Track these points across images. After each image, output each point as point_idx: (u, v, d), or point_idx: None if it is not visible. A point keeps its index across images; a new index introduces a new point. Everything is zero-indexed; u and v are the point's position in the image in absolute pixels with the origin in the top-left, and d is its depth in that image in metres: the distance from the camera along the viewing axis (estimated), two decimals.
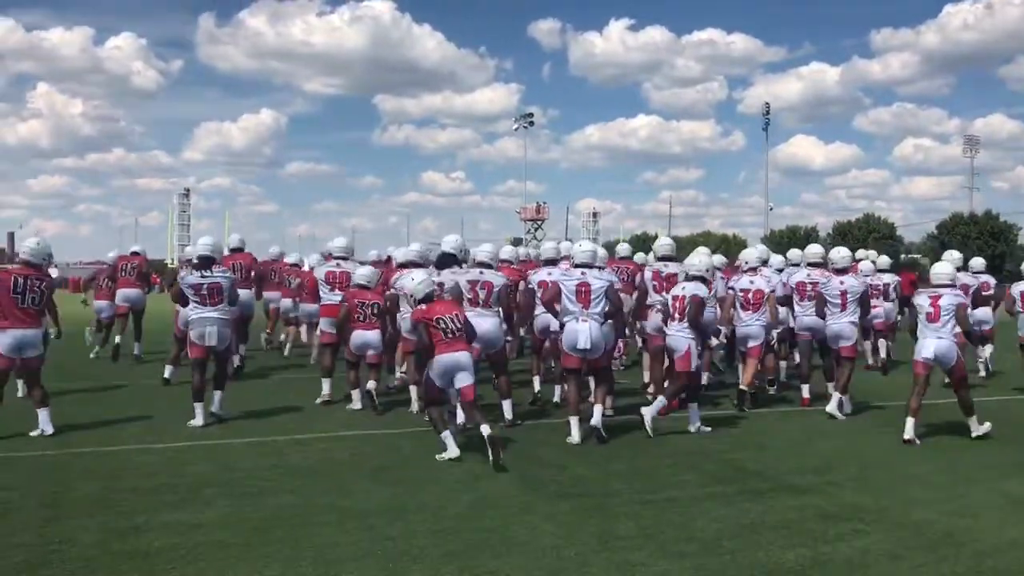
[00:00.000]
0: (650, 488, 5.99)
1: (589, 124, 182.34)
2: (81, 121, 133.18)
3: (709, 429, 7.98)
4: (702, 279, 8.13)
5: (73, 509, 5.33)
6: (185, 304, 8.49)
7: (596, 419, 7.54)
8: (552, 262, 9.84)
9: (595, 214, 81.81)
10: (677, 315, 8.06)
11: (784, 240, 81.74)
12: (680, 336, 8.01)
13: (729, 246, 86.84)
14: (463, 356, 6.98)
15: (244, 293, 11.28)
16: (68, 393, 9.60)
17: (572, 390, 7.74)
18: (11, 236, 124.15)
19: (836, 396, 8.91)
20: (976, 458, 7.17)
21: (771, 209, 75.01)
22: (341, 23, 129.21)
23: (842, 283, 9.10)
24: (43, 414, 7.44)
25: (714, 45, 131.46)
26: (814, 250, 10.53)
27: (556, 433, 7.74)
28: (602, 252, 8.94)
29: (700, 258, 8.30)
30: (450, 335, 6.96)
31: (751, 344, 9.35)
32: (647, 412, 7.76)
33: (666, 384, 8.53)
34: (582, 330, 7.51)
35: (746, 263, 9.98)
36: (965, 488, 6.16)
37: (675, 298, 8.15)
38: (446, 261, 8.98)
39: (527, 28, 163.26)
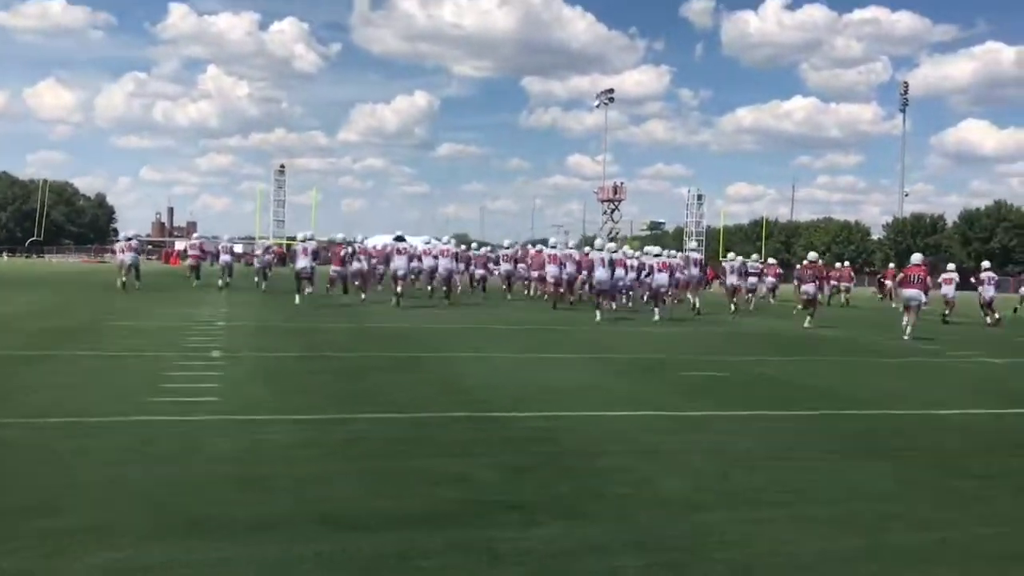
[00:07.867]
0: None
1: (741, 106, 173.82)
2: (247, 103, 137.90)
3: None
4: None
5: None
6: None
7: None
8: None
9: (700, 197, 76.89)
10: None
11: (907, 228, 74.55)
12: None
13: (851, 233, 79.94)
14: None
15: None
16: None
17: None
18: (171, 211, 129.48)
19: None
20: None
21: (907, 195, 68.66)
22: (491, 5, 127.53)
23: None
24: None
25: (878, 23, 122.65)
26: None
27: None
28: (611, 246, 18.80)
29: None
30: None
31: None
32: None
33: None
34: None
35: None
36: None
37: None
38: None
39: (679, 8, 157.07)
